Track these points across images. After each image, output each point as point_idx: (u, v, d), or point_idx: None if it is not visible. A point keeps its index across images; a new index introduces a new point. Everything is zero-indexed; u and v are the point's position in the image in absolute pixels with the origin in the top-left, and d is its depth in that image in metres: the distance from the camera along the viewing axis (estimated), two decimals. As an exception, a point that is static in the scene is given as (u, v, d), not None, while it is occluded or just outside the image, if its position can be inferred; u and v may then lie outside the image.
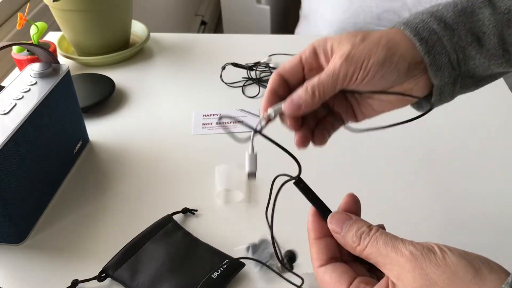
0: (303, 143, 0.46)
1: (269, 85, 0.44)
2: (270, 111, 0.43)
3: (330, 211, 0.39)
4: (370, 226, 0.36)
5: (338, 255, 0.39)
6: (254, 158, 0.43)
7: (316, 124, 0.47)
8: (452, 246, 0.33)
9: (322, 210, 0.40)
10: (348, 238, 0.36)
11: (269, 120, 0.43)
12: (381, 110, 0.46)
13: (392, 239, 0.34)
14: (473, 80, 0.44)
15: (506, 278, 0.30)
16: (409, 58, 0.42)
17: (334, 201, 0.41)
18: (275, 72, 0.45)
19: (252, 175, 0.43)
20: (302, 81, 0.45)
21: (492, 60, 0.42)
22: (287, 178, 0.40)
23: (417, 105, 0.48)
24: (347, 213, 0.38)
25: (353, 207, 0.40)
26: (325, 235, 0.39)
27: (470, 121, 0.82)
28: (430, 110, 0.46)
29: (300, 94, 0.42)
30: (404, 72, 0.42)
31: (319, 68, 0.44)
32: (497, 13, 0.42)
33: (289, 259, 0.54)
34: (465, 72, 0.43)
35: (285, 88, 0.45)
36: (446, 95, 0.44)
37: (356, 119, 0.47)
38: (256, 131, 0.41)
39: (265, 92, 0.45)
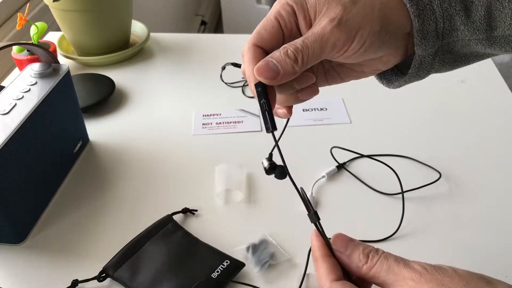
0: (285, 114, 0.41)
1: (249, 63, 0.38)
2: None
3: (275, 127, 0.37)
4: (376, 248, 0.36)
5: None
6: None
7: None
8: None
9: (270, 119, 0.37)
10: (355, 256, 0.35)
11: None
12: (348, 79, 0.43)
13: (402, 258, 0.34)
14: (451, 56, 0.41)
15: None
16: (402, 30, 0.38)
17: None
18: (252, 44, 0.38)
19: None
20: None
21: (474, 35, 0.39)
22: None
23: (386, 80, 0.44)
24: (348, 236, 0.37)
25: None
26: (330, 255, 0.37)
27: (469, 121, 0.83)
28: (402, 85, 0.43)
29: (278, 57, 0.36)
30: (395, 45, 0.39)
31: (297, 33, 0.39)
32: None
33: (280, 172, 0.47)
34: (445, 44, 0.39)
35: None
36: (424, 69, 0.41)
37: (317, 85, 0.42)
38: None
39: (247, 70, 0.38)
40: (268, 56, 0.37)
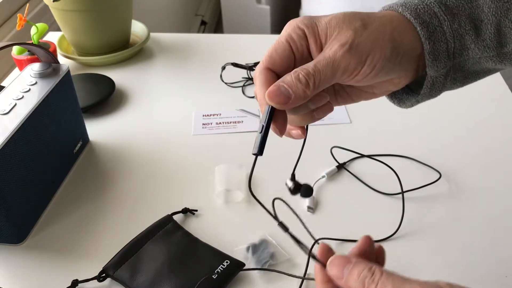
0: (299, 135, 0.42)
1: (261, 86, 0.38)
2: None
3: (262, 152, 0.36)
4: (371, 268, 0.34)
5: None
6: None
7: None
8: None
9: (261, 144, 0.37)
10: (351, 282, 0.34)
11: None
12: (359, 100, 0.44)
13: (400, 281, 0.33)
14: (462, 74, 0.42)
15: None
16: (412, 53, 0.38)
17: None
18: (263, 67, 0.38)
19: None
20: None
21: (485, 52, 0.39)
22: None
23: (398, 100, 0.45)
24: (346, 256, 0.36)
25: (367, 249, 0.37)
26: (329, 281, 0.36)
27: (469, 121, 0.83)
28: (414, 105, 0.43)
29: (290, 82, 0.36)
30: (405, 68, 0.39)
31: (308, 57, 0.39)
32: (497, 0, 0.38)
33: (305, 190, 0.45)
34: (457, 64, 0.40)
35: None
36: (436, 89, 0.41)
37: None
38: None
39: (259, 97, 0.38)
40: (279, 80, 0.37)
